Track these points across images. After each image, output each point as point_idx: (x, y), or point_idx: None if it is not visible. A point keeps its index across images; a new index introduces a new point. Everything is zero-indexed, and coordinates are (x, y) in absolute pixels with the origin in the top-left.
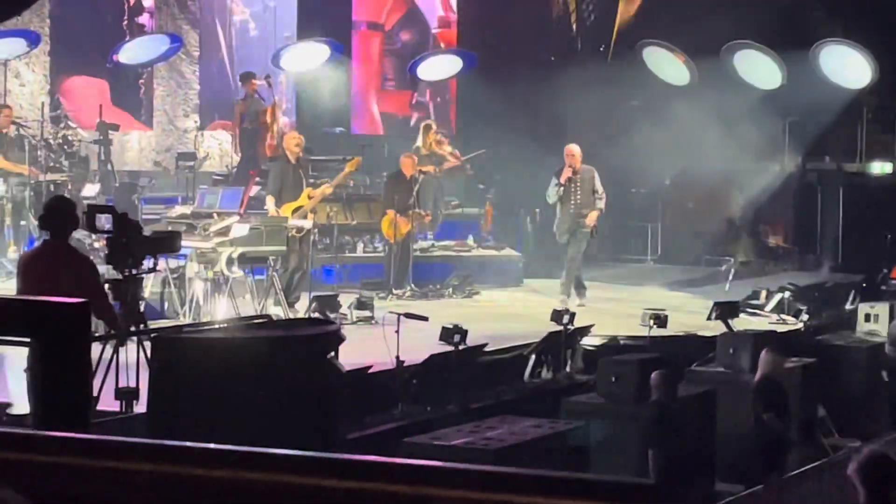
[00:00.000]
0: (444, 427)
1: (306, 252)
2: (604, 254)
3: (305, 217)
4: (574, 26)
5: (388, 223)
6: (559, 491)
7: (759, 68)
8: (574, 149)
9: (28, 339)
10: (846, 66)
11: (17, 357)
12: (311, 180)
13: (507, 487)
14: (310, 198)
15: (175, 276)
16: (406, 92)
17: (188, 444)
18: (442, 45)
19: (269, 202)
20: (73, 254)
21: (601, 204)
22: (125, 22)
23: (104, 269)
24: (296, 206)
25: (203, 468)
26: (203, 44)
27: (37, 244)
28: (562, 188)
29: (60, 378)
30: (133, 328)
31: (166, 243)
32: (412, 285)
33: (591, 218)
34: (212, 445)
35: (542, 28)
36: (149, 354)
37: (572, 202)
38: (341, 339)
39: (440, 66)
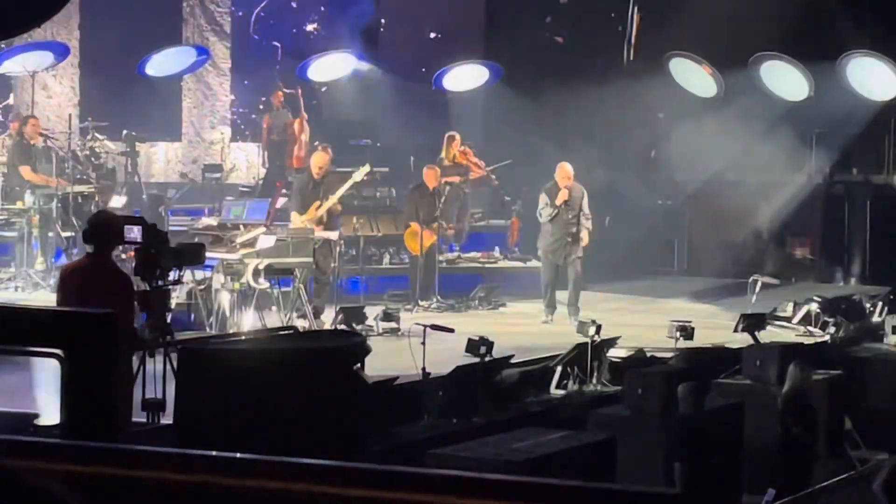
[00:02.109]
0: (471, 439)
1: (328, 261)
2: (631, 265)
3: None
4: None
5: (410, 236)
6: (584, 501)
7: (785, 80)
8: (569, 169)
9: (58, 350)
10: (873, 78)
11: (45, 368)
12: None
13: (532, 497)
14: (316, 210)
15: (201, 287)
16: None
17: (214, 453)
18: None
19: (294, 217)
20: (115, 269)
21: (589, 224)
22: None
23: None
24: (305, 220)
25: (229, 478)
26: (234, 55)
27: (80, 257)
28: (556, 210)
29: (89, 389)
30: (160, 339)
31: (191, 255)
32: (438, 297)
33: (585, 240)
34: (238, 455)
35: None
36: (175, 366)
37: (564, 219)
38: (367, 351)
39: (465, 77)
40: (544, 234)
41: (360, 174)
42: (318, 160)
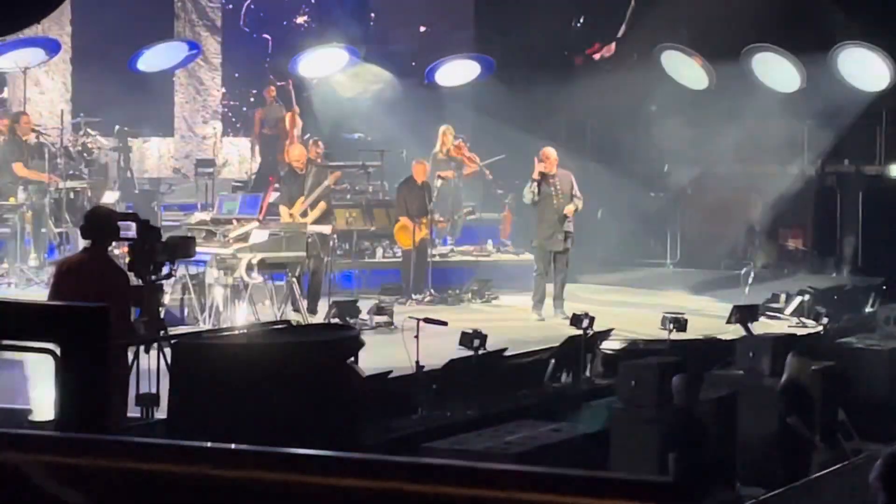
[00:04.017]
0: (465, 432)
1: (321, 255)
2: (623, 258)
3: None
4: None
5: (401, 230)
6: (577, 489)
7: (777, 71)
8: (550, 152)
9: (51, 345)
10: (865, 69)
11: (38, 364)
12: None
13: (527, 486)
14: (301, 204)
15: (195, 282)
16: None
17: (207, 444)
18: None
19: (283, 211)
20: (112, 264)
21: (579, 202)
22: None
23: None
24: (289, 213)
25: (223, 469)
26: (224, 50)
27: (76, 252)
28: (538, 186)
29: (83, 384)
30: (154, 334)
31: (182, 249)
32: (431, 290)
33: (569, 210)
34: (231, 446)
35: (560, 32)
36: (169, 361)
37: (555, 204)
38: (361, 345)
39: (457, 72)
40: (538, 223)
41: (331, 179)
42: (295, 154)
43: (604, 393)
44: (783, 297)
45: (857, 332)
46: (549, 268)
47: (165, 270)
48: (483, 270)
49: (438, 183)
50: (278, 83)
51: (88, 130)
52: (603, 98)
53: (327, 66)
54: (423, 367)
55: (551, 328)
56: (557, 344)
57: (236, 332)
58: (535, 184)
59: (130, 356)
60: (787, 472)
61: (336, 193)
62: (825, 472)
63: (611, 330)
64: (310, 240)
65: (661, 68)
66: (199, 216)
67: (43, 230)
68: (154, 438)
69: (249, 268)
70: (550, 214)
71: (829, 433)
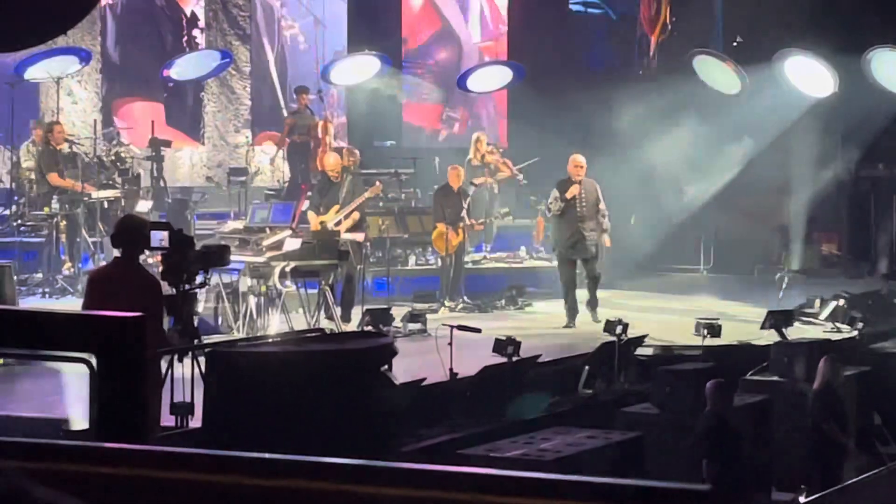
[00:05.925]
0: (499, 439)
1: (354, 263)
2: (656, 263)
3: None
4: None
5: (438, 237)
6: (615, 497)
7: (810, 75)
8: (581, 160)
9: (87, 355)
10: None
11: (74, 373)
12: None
13: (563, 494)
14: (336, 213)
15: (228, 290)
16: (437, 105)
17: (241, 453)
18: (487, 57)
19: (311, 217)
20: (143, 273)
21: (608, 224)
22: (185, 38)
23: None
24: (321, 221)
25: (258, 478)
26: (253, 59)
27: (107, 262)
28: (564, 203)
29: (119, 393)
30: (187, 343)
31: (216, 257)
32: (465, 297)
33: (607, 242)
34: (266, 455)
35: (594, 40)
36: (203, 369)
37: (578, 213)
38: (395, 352)
39: (489, 78)
40: (559, 230)
41: (371, 192)
42: (330, 162)
43: (638, 399)
44: (818, 301)
45: (892, 337)
46: (573, 277)
47: (199, 279)
48: (516, 277)
49: (471, 190)
50: (312, 91)
51: (121, 140)
52: (635, 103)
53: (359, 73)
54: (456, 374)
55: (585, 335)
56: (591, 350)
57: (270, 340)
58: (562, 203)
59: (164, 365)
60: (822, 477)
61: (369, 201)
62: (861, 477)
63: (645, 336)
64: (343, 248)
65: (694, 73)
66: (232, 225)
67: (77, 239)
68: (188, 447)
69: (283, 276)
70: (573, 223)
71: (864, 438)
